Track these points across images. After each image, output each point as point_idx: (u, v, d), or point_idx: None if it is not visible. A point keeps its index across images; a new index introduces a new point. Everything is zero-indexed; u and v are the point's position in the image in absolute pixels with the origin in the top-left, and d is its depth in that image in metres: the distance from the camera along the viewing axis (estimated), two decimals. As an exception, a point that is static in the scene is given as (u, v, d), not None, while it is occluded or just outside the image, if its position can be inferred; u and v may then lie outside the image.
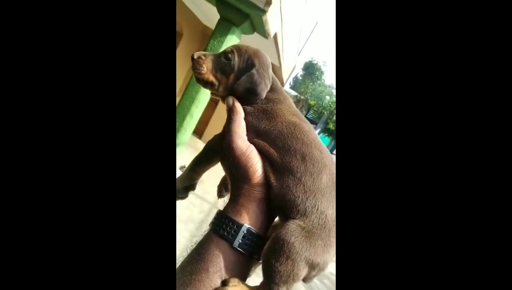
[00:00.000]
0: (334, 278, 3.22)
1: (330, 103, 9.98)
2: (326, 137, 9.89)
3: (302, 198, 0.39)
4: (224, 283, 0.37)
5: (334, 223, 0.40)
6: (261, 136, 0.43)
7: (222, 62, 0.47)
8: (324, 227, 0.39)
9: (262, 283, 0.39)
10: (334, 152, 9.73)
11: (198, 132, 5.90)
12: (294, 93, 10.60)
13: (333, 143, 9.87)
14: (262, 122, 0.44)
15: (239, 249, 0.39)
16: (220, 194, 0.53)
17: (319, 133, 9.88)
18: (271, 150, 0.42)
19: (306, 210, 0.39)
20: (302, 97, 10.50)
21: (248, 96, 0.46)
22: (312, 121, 10.01)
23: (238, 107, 0.45)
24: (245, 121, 0.45)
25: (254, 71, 0.46)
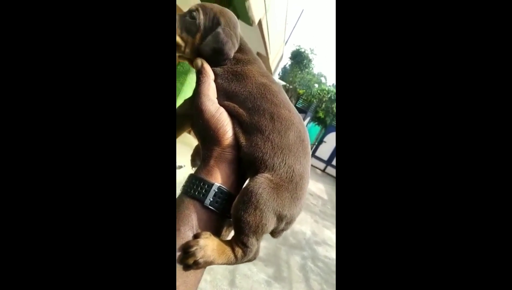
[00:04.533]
0: (328, 261, 3.31)
1: (319, 91, 10.00)
2: (316, 126, 9.95)
3: (270, 154, 0.40)
4: (196, 236, 0.38)
5: (301, 177, 0.41)
6: (231, 98, 0.43)
7: (187, 21, 0.45)
8: (291, 181, 0.40)
9: (233, 236, 0.40)
10: (324, 139, 9.83)
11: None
12: (283, 83, 10.55)
13: (323, 131, 9.94)
14: (232, 84, 0.44)
15: (210, 207, 0.39)
16: (193, 163, 0.53)
17: (308, 122, 9.92)
18: (241, 111, 0.42)
19: (274, 165, 0.40)
20: (291, 87, 10.48)
21: (215, 57, 0.44)
22: (301, 110, 10.02)
23: (208, 69, 0.44)
24: (215, 84, 0.44)
25: (220, 30, 0.44)
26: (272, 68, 5.54)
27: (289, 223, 0.42)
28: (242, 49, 0.47)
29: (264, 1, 2.42)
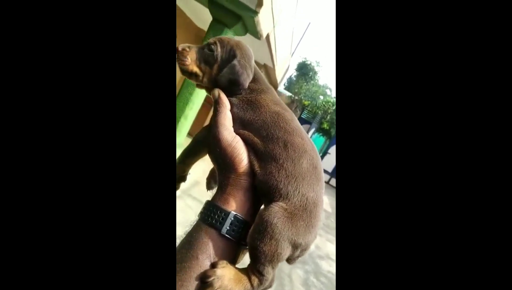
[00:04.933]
0: (331, 276, 3.24)
1: (324, 103, 10.04)
2: (321, 137, 9.94)
3: (284, 182, 0.41)
4: (213, 265, 0.39)
5: (315, 205, 0.42)
6: (246, 126, 0.45)
7: (206, 53, 0.48)
8: (305, 209, 0.41)
9: (249, 265, 0.41)
10: (329, 150, 9.78)
11: (193, 133, 5.85)
12: (288, 93, 10.63)
13: (327, 142, 9.91)
14: (247, 113, 0.46)
15: (227, 235, 0.40)
16: (209, 186, 0.55)
17: (313, 133, 9.92)
18: (255, 139, 0.44)
19: (288, 193, 0.41)
20: (296, 98, 10.54)
21: (231, 87, 0.47)
22: (306, 121, 10.04)
23: (224, 99, 0.46)
24: (231, 113, 0.46)
25: (235, 62, 0.47)
26: (278, 79, 5.60)
27: (304, 250, 0.43)
28: (256, 79, 0.50)
29: (273, 16, 2.48)
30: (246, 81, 0.48)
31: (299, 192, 0.41)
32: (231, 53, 0.48)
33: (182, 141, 2.66)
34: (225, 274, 0.38)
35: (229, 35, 2.34)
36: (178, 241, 0.42)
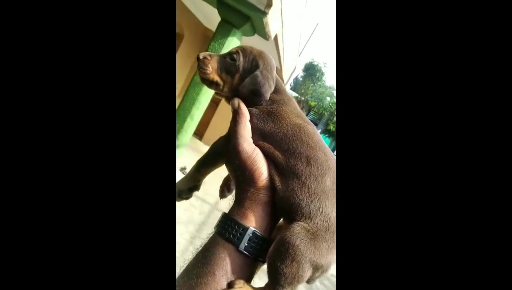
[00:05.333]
0: (334, 279, 3.21)
1: (330, 104, 9.98)
2: (327, 138, 9.88)
3: (306, 201, 0.39)
4: (230, 285, 0.38)
5: None
6: (266, 139, 0.44)
7: (228, 62, 0.47)
8: (328, 229, 0.39)
9: (266, 285, 0.39)
10: (335, 152, 9.73)
11: (199, 133, 5.91)
12: (294, 94, 10.61)
13: (333, 143, 9.86)
14: (267, 124, 0.44)
15: (245, 252, 0.39)
16: (222, 195, 0.54)
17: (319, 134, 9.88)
18: (276, 153, 0.42)
19: (310, 212, 0.39)
20: (303, 98, 10.50)
21: (252, 98, 0.46)
22: (313, 122, 10.01)
23: (244, 109, 0.45)
24: (251, 123, 0.45)
25: (258, 72, 0.46)
26: (285, 80, 5.60)
27: (325, 271, 0.41)
28: (277, 90, 0.49)
29: (281, 17, 2.48)
30: (268, 92, 0.47)
31: (322, 211, 0.39)
32: (253, 63, 0.48)
33: (188, 141, 2.68)
34: None
35: (237, 36, 2.34)
36: (178, 240, 0.42)
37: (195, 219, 2.86)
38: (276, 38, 2.79)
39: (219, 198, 0.54)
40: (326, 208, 0.40)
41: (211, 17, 4.15)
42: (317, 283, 2.97)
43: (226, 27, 2.29)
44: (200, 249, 0.41)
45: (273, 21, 2.23)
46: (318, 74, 11.74)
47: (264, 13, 2.01)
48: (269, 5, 1.97)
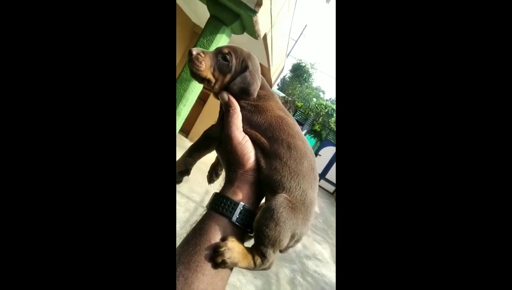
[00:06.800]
0: (317, 276, 3.28)
1: (316, 105, 10.13)
2: (312, 138, 10.03)
3: (287, 177, 0.46)
4: (224, 239, 0.44)
5: (311, 202, 0.47)
6: (254, 127, 0.51)
7: (221, 62, 0.53)
8: (304, 203, 0.46)
9: (253, 246, 0.46)
10: (319, 152, 9.88)
11: (185, 130, 5.81)
12: (282, 94, 10.67)
13: (318, 144, 10.02)
14: (255, 116, 0.51)
15: (236, 223, 0.45)
16: (210, 180, 0.60)
17: (305, 134, 9.99)
18: (262, 140, 0.49)
19: (291, 187, 0.46)
20: (290, 99, 10.59)
21: (241, 94, 0.53)
22: (299, 123, 10.12)
23: (235, 101, 0.51)
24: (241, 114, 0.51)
25: (247, 73, 0.53)
26: (273, 80, 5.61)
27: (297, 241, 0.48)
28: (261, 86, 0.56)
29: (271, 17, 2.48)
30: (256, 90, 0.53)
31: (300, 187, 0.46)
32: (243, 64, 0.54)
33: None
34: (235, 247, 0.43)
35: (226, 33, 2.32)
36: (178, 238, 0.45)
37: (180, 217, 2.82)
38: (265, 37, 2.79)
39: (207, 182, 0.60)
40: (304, 185, 0.47)
41: (200, 14, 4.09)
42: (300, 279, 3.01)
43: (216, 24, 2.27)
44: (195, 224, 0.46)
45: (262, 21, 2.23)
46: (305, 75, 11.87)
47: (254, 12, 2.01)
48: (259, 4, 1.97)
